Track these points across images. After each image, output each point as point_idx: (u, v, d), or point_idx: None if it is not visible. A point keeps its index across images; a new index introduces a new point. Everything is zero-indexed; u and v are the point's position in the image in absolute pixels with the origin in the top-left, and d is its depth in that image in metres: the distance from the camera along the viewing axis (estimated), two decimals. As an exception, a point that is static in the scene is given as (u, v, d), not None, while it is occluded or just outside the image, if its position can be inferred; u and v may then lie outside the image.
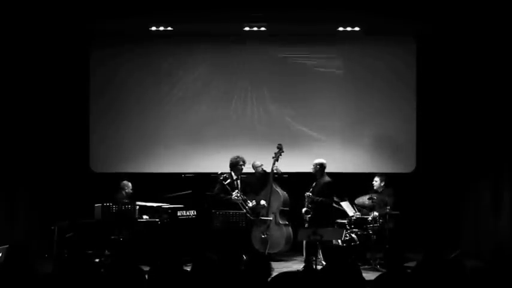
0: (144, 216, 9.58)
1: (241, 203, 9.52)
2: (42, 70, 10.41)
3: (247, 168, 10.06)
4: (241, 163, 9.72)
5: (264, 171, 10.11)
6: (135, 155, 11.05)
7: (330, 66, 11.07)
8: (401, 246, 8.92)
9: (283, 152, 9.85)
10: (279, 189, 9.87)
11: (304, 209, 9.42)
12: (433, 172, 10.78)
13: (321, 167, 9.56)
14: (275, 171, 9.83)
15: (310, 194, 9.40)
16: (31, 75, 10.20)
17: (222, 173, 9.66)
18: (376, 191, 9.95)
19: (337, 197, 9.89)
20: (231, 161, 9.74)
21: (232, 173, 9.72)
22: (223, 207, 9.41)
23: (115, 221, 9.19)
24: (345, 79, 11.08)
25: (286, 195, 9.87)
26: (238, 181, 9.75)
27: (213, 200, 9.67)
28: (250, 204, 9.62)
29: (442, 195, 10.70)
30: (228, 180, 9.60)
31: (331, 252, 5.76)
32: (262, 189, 9.92)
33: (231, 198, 9.53)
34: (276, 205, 9.80)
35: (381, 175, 10.06)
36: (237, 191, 9.57)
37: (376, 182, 9.99)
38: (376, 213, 9.56)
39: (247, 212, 9.47)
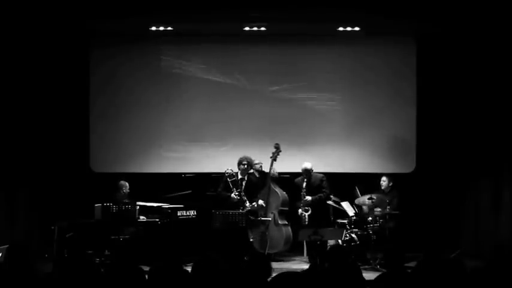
0: (141, 217, 9.57)
1: (238, 203, 9.51)
2: (42, 70, 10.41)
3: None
4: (244, 162, 9.74)
5: (262, 171, 10.10)
6: (135, 155, 11.05)
7: (330, 67, 11.06)
8: (402, 246, 8.94)
9: (280, 151, 9.86)
10: (277, 189, 9.85)
11: (300, 210, 9.45)
12: (433, 172, 10.78)
13: (309, 171, 9.67)
14: (272, 175, 9.82)
15: (310, 197, 9.46)
16: (31, 75, 10.20)
17: (227, 171, 9.67)
18: (383, 191, 9.94)
19: (337, 197, 9.91)
20: (238, 159, 9.79)
21: (238, 172, 9.74)
22: (223, 205, 9.44)
23: (115, 221, 9.19)
24: (344, 79, 11.07)
25: (286, 195, 9.85)
26: (244, 181, 9.74)
27: (215, 197, 9.69)
28: (247, 205, 9.59)
29: (442, 195, 10.70)
30: (233, 178, 9.62)
31: (331, 252, 5.74)
32: (261, 189, 9.91)
33: (229, 196, 9.55)
34: (275, 205, 9.79)
35: (388, 175, 10.04)
36: (234, 189, 9.57)
37: (385, 182, 9.99)
38: (378, 209, 9.57)
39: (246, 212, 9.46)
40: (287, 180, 10.11)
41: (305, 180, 9.56)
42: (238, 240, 9.14)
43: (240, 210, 9.40)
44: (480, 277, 5.18)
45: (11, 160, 9.80)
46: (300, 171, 9.84)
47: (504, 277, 5.20)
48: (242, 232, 9.27)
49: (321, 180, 9.66)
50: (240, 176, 9.74)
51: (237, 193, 9.55)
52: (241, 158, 9.80)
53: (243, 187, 9.66)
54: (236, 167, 9.79)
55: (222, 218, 9.18)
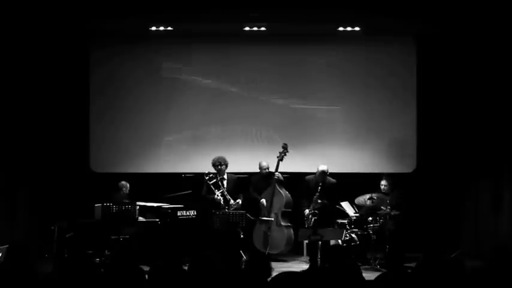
0: (140, 218, 9.56)
1: (223, 203, 9.50)
2: (42, 70, 10.42)
3: (253, 168, 10.09)
4: (216, 164, 9.72)
5: (270, 172, 10.07)
6: (135, 155, 11.05)
7: (330, 67, 11.06)
8: (402, 246, 8.94)
9: (287, 151, 9.82)
10: (282, 190, 9.82)
11: (308, 211, 9.39)
12: (434, 172, 10.78)
13: (326, 173, 9.52)
14: (277, 176, 9.79)
15: (323, 202, 9.39)
16: (31, 75, 10.21)
17: (208, 173, 9.68)
18: (386, 193, 9.90)
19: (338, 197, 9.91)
20: (211, 161, 9.75)
21: (217, 173, 9.75)
22: (209, 207, 9.45)
23: (115, 221, 9.18)
24: (344, 79, 11.07)
25: (290, 196, 9.81)
26: (224, 181, 9.74)
27: (203, 200, 9.70)
28: (232, 203, 9.57)
29: (442, 195, 10.70)
30: (213, 180, 9.62)
31: (331, 252, 5.75)
32: (266, 189, 9.90)
33: (213, 197, 9.55)
34: (278, 206, 9.76)
35: (387, 178, 9.97)
36: (217, 190, 9.56)
37: (386, 186, 9.90)
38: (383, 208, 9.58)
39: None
40: (287, 181, 10.06)
41: (320, 184, 9.43)
42: (238, 240, 9.14)
43: (226, 210, 9.40)
44: (480, 277, 5.18)
45: (11, 160, 9.79)
46: (303, 171, 9.84)
47: (504, 277, 5.20)
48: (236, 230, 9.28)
49: (334, 187, 9.55)
50: (219, 177, 9.73)
51: (219, 193, 9.56)
52: (214, 161, 9.76)
53: (225, 187, 9.66)
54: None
55: (223, 218, 9.18)
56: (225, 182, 9.74)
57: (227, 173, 9.84)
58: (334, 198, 9.58)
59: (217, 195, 9.55)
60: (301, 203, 9.56)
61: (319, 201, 9.35)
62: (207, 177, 9.67)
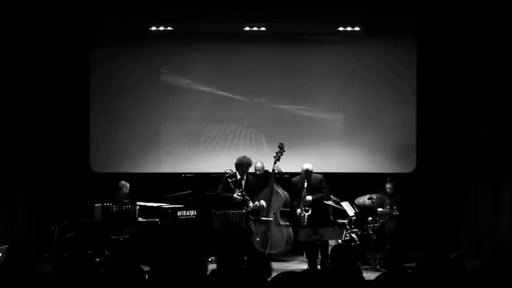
0: (140, 218, 9.56)
1: (242, 203, 9.49)
2: (43, 70, 10.42)
3: (252, 168, 10.10)
4: (245, 164, 9.69)
5: (266, 171, 10.08)
6: (135, 155, 11.05)
7: (330, 67, 11.07)
8: (402, 246, 8.94)
9: (284, 151, 9.82)
10: (280, 190, 9.82)
11: (299, 210, 9.40)
12: (433, 172, 10.78)
13: (310, 172, 9.56)
14: (276, 170, 9.79)
15: (310, 197, 9.40)
16: (31, 75, 10.21)
17: (229, 171, 9.66)
18: (390, 195, 9.89)
19: (337, 197, 9.89)
20: (236, 160, 9.73)
21: (237, 172, 9.71)
22: (224, 206, 9.40)
23: (115, 221, 9.18)
24: (344, 79, 11.08)
25: (287, 195, 9.81)
26: (243, 181, 9.72)
27: (215, 198, 9.67)
28: (251, 204, 9.57)
29: (442, 195, 10.70)
30: (233, 179, 9.59)
31: (334, 252, 5.76)
32: (263, 189, 9.89)
33: (232, 197, 9.52)
34: (277, 205, 9.75)
35: (391, 180, 9.97)
36: (237, 189, 9.54)
37: (391, 189, 9.91)
38: (380, 209, 9.57)
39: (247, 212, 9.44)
40: (287, 180, 10.06)
41: (305, 180, 9.51)
42: (239, 240, 9.13)
43: (244, 210, 9.38)
44: (480, 277, 5.18)
45: (11, 160, 9.80)
46: (299, 171, 9.83)
47: (504, 277, 5.20)
48: (242, 232, 9.24)
49: (321, 181, 9.62)
50: (239, 176, 9.71)
51: (239, 193, 9.53)
52: (244, 161, 9.62)
53: (243, 186, 9.64)
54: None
55: (223, 218, 9.17)
56: (243, 182, 9.71)
57: (248, 173, 9.79)
58: (324, 192, 9.57)
59: (238, 195, 9.52)
60: (293, 205, 9.59)
61: (308, 198, 9.35)
62: (227, 175, 9.62)
